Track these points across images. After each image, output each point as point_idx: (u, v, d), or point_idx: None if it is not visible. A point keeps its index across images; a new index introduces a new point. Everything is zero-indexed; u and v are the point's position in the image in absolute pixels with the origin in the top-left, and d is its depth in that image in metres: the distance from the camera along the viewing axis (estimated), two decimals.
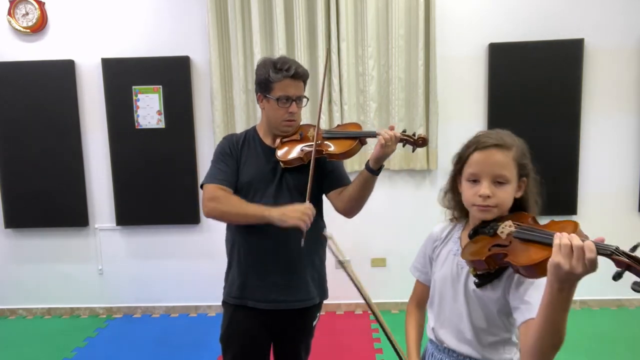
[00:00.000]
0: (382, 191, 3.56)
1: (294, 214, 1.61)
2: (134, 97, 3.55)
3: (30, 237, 3.79)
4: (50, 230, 3.76)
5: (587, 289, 3.61)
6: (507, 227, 1.12)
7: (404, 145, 1.75)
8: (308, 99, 1.88)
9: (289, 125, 1.81)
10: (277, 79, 1.73)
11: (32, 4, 3.51)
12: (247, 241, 1.80)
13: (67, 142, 3.62)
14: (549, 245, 0.96)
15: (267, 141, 1.86)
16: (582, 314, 3.58)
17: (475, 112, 3.55)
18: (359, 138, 1.77)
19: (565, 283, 0.93)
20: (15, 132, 3.60)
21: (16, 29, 3.55)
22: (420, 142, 1.72)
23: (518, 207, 1.21)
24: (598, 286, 3.59)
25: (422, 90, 3.41)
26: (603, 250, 0.89)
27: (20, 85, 3.56)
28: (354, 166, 3.38)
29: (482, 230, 1.18)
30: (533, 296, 1.08)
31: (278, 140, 1.82)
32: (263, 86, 1.78)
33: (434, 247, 1.37)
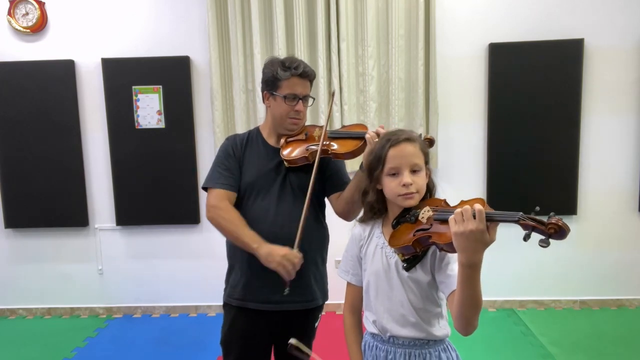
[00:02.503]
0: None
1: (277, 258, 1.60)
2: (134, 97, 3.55)
3: (30, 237, 3.79)
4: (50, 230, 3.76)
5: (587, 289, 3.62)
6: (426, 212, 1.24)
7: None
8: (314, 99, 1.88)
9: (295, 124, 1.81)
10: (285, 77, 1.73)
11: (32, 4, 3.51)
12: None
13: (67, 142, 3.62)
14: None
15: (271, 141, 1.85)
16: (582, 314, 3.58)
17: (475, 112, 3.56)
18: (365, 138, 1.75)
19: (468, 252, 1.06)
20: (15, 132, 3.60)
21: (16, 29, 3.55)
22: (426, 143, 1.68)
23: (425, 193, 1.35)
24: (598, 286, 3.63)
25: (422, 90, 3.41)
26: (510, 218, 1.04)
27: (20, 85, 3.56)
28: (354, 168, 3.37)
29: (404, 219, 1.30)
30: (454, 269, 1.22)
31: (283, 140, 1.82)
32: (270, 84, 1.78)
33: (360, 246, 1.45)
